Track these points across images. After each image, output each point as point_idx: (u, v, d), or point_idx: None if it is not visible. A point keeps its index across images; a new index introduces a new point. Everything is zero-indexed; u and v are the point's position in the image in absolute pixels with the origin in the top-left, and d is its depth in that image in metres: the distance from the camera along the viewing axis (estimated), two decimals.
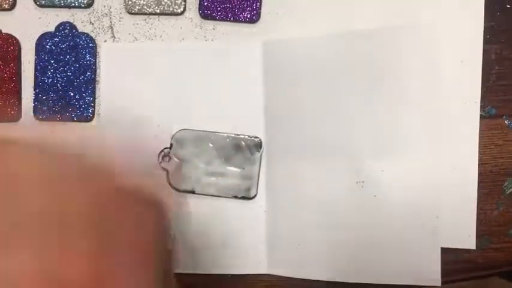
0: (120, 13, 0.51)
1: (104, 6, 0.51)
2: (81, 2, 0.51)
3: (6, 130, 0.51)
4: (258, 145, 0.50)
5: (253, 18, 0.50)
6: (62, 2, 0.51)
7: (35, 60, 0.51)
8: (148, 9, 0.50)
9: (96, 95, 0.51)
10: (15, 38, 0.51)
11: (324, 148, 0.49)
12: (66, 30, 0.51)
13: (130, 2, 0.50)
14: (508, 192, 0.49)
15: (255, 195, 0.50)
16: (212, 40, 0.51)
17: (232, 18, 0.50)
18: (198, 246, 0.50)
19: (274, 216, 0.50)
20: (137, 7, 0.50)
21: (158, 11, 0.50)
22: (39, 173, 0.26)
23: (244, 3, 0.50)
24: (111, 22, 0.51)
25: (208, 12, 0.50)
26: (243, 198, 0.50)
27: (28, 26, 0.51)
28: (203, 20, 0.51)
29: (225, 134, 0.50)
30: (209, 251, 0.50)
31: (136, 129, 0.51)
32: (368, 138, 0.49)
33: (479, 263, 0.49)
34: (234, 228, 0.50)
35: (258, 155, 0.50)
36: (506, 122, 0.49)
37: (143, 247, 0.28)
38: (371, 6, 0.49)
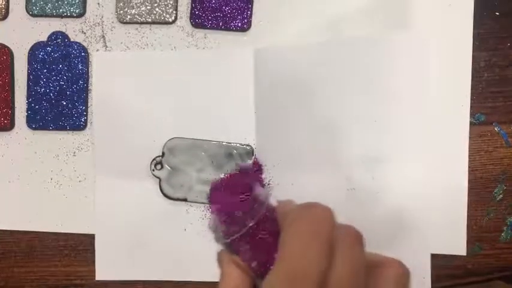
0: (112, 22, 0.51)
1: (96, 16, 0.51)
2: (73, 12, 0.51)
3: (0, 139, 0.52)
4: (250, 153, 0.50)
5: (244, 27, 0.50)
6: (54, 11, 0.51)
7: (28, 70, 0.51)
8: (140, 18, 0.51)
9: (89, 104, 0.51)
10: (8, 48, 0.51)
11: (315, 155, 0.50)
12: (59, 40, 0.51)
13: (122, 12, 0.51)
14: (498, 198, 0.49)
15: None
16: (204, 48, 0.51)
17: (223, 27, 0.50)
18: (191, 254, 0.51)
19: None
20: (129, 16, 0.51)
21: (150, 20, 0.51)
22: None
23: (235, 12, 0.50)
24: (103, 31, 0.51)
25: (200, 21, 0.50)
26: None
27: (20, 35, 0.52)
28: (194, 28, 0.51)
29: (217, 142, 0.50)
30: (202, 257, 0.51)
31: (128, 138, 0.51)
32: (358, 145, 0.49)
33: (469, 269, 0.49)
34: None
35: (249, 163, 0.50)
36: (496, 128, 0.49)
37: None
38: (361, 15, 0.50)
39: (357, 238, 0.29)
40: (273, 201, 0.32)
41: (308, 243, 0.27)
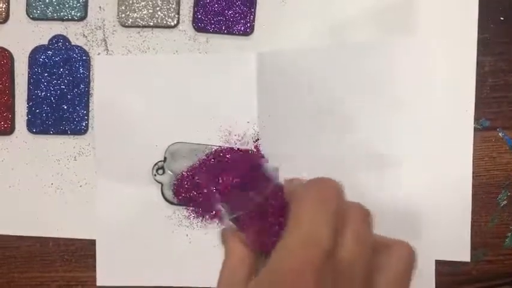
0: (114, 26, 0.51)
1: (98, 19, 0.51)
2: (74, 15, 0.51)
3: (0, 143, 0.51)
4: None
5: (247, 31, 0.50)
6: (55, 14, 0.51)
7: (28, 74, 0.51)
8: (141, 22, 0.50)
9: (90, 108, 0.51)
10: (8, 51, 0.51)
11: (318, 159, 0.49)
12: (60, 43, 0.51)
13: (123, 15, 0.50)
14: (502, 204, 0.49)
15: None
16: (206, 53, 0.51)
17: (226, 31, 0.50)
18: (193, 259, 0.50)
19: None
20: (131, 20, 0.50)
21: (152, 24, 0.50)
22: None
23: (238, 16, 0.50)
24: (104, 35, 0.51)
25: (202, 25, 0.50)
26: None
27: (21, 39, 0.51)
28: (197, 32, 0.50)
29: (219, 147, 0.50)
30: (205, 263, 0.50)
31: (130, 142, 0.51)
32: (362, 150, 0.49)
33: (473, 275, 0.49)
34: None
35: None
36: (500, 134, 0.49)
37: None
38: (364, 19, 0.49)
39: (365, 214, 0.29)
40: (280, 179, 0.32)
41: (318, 210, 0.27)
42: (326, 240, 0.26)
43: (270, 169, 0.32)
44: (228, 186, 0.32)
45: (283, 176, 0.49)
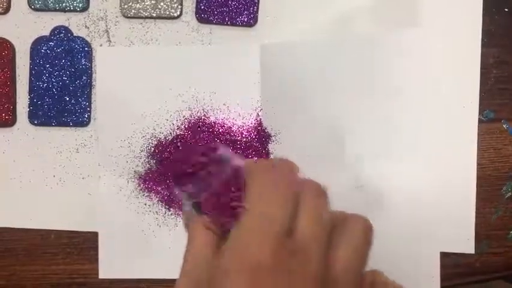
0: (116, 17, 0.50)
1: (100, 10, 0.51)
2: (76, 6, 0.50)
3: (1, 135, 0.51)
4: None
5: (251, 22, 0.50)
6: (57, 5, 0.50)
7: (30, 65, 0.50)
8: (144, 13, 0.50)
9: (92, 100, 0.51)
10: (10, 42, 0.51)
11: (322, 153, 0.49)
12: (62, 34, 0.50)
13: (126, 6, 0.50)
14: (506, 196, 0.49)
15: None
16: (209, 44, 0.50)
17: (229, 22, 0.50)
18: None
19: None
20: (133, 11, 0.50)
21: (154, 15, 0.50)
22: None
23: (241, 7, 0.50)
24: (106, 26, 0.51)
25: (205, 16, 0.50)
26: None
27: (23, 29, 0.51)
28: (200, 23, 0.50)
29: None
30: None
31: (132, 134, 0.50)
32: (367, 142, 0.49)
33: (477, 267, 0.49)
34: None
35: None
36: (504, 126, 0.49)
37: None
38: (369, 12, 0.49)
39: (319, 190, 0.30)
40: (240, 162, 0.32)
41: (273, 190, 0.28)
42: (280, 220, 0.27)
43: (226, 152, 0.32)
44: (180, 175, 0.32)
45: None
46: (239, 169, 0.32)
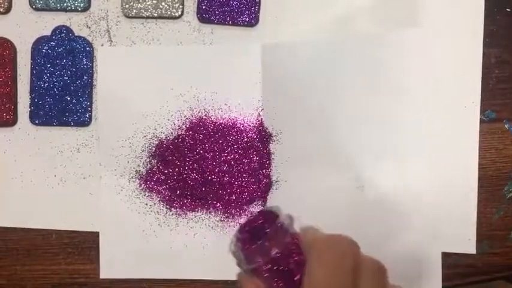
0: (117, 17, 0.50)
1: (101, 10, 0.51)
2: (77, 6, 0.50)
3: (2, 135, 0.51)
4: None
5: (252, 22, 0.50)
6: (59, 5, 0.50)
7: (31, 65, 0.50)
8: (145, 12, 0.50)
9: (93, 100, 0.50)
10: (11, 42, 0.51)
11: (323, 153, 0.49)
12: (63, 34, 0.50)
13: (127, 6, 0.50)
14: (508, 196, 0.49)
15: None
16: (210, 44, 0.50)
17: (230, 22, 0.50)
18: (197, 252, 0.50)
19: None
20: (134, 11, 0.50)
21: (156, 15, 0.50)
22: None
23: (243, 7, 0.50)
24: (108, 26, 0.51)
25: (207, 16, 0.50)
26: None
27: (24, 29, 0.51)
28: (201, 23, 0.50)
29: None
30: (208, 256, 0.50)
31: (133, 134, 0.50)
32: (368, 142, 0.49)
33: (479, 267, 0.49)
34: None
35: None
36: (506, 126, 0.49)
37: None
38: (370, 11, 0.49)
39: (380, 268, 0.31)
40: (296, 228, 0.33)
41: (334, 273, 0.29)
42: None
43: (286, 220, 0.33)
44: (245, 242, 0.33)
45: (289, 170, 0.49)
46: (297, 237, 0.32)
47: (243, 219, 0.50)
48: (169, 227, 0.50)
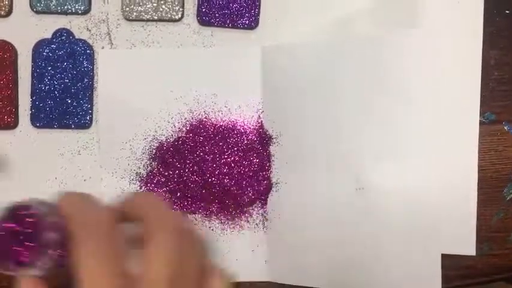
0: (118, 19, 0.51)
1: (101, 13, 0.51)
2: (78, 8, 0.50)
3: (3, 138, 0.51)
4: None
5: (252, 25, 0.50)
6: (59, 8, 0.50)
7: (32, 67, 0.51)
8: (146, 15, 0.50)
9: (94, 102, 0.51)
10: (11, 45, 0.51)
11: (323, 155, 0.49)
12: (63, 37, 0.51)
13: (127, 9, 0.50)
14: (508, 198, 0.49)
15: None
16: (210, 47, 0.50)
17: (230, 25, 0.50)
18: None
19: (274, 225, 0.50)
20: (135, 13, 0.50)
21: (156, 18, 0.50)
22: None
23: (242, 10, 0.50)
24: (108, 29, 0.51)
25: (207, 18, 0.50)
26: None
27: (25, 32, 0.51)
28: (201, 26, 0.50)
29: None
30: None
31: (134, 136, 0.50)
32: (367, 144, 0.49)
33: (479, 269, 0.49)
34: (236, 237, 0.50)
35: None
36: (505, 127, 0.49)
37: None
38: (370, 13, 0.49)
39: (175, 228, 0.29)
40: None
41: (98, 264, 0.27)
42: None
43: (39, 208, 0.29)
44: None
45: (289, 172, 0.49)
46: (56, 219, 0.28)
47: (243, 221, 0.50)
48: None
